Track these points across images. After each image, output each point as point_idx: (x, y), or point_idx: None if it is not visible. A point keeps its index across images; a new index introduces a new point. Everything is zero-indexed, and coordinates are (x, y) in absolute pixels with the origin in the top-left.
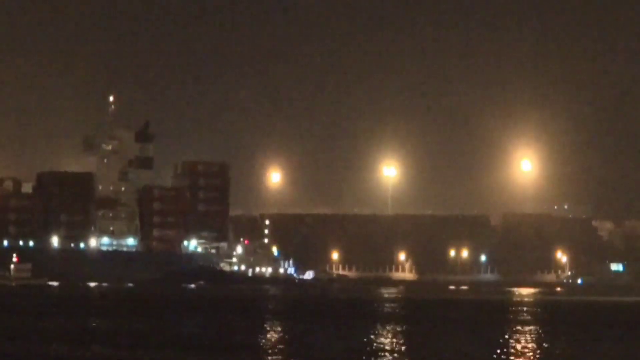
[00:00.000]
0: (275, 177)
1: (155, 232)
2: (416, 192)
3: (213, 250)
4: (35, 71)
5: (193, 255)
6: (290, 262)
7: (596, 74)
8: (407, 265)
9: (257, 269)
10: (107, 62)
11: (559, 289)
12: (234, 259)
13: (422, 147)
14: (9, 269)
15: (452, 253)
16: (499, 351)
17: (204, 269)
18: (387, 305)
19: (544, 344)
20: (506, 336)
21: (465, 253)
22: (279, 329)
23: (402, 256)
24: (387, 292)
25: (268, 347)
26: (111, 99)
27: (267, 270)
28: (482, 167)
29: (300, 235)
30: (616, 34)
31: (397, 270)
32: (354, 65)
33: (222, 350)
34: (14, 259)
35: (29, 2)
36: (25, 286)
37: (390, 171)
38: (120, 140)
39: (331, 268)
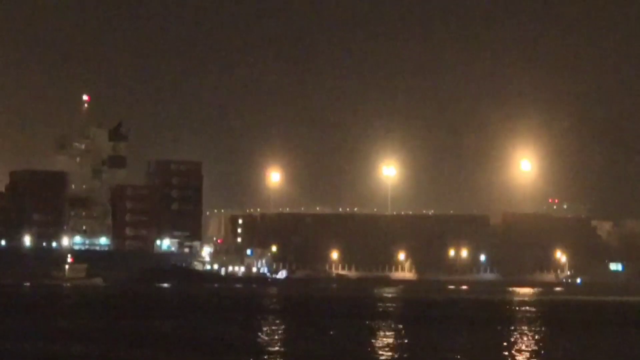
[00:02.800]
0: (275, 176)
1: (128, 231)
2: (416, 192)
3: (186, 250)
4: (7, 70)
5: (166, 254)
6: (264, 261)
7: (596, 74)
8: (407, 265)
9: (230, 268)
10: (80, 61)
11: (558, 288)
12: (207, 258)
13: (422, 147)
14: (63, 269)
15: (452, 253)
16: (498, 351)
17: (177, 269)
18: (386, 304)
19: (543, 344)
20: (505, 336)
21: (465, 253)
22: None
23: (401, 256)
24: (387, 292)
25: (264, 346)
26: (84, 97)
27: (240, 270)
28: (482, 167)
29: (300, 235)
30: (616, 34)
31: (396, 270)
32: (354, 65)
33: (216, 350)
34: (69, 259)
35: None
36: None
37: (390, 171)
38: (94, 139)
39: (331, 268)
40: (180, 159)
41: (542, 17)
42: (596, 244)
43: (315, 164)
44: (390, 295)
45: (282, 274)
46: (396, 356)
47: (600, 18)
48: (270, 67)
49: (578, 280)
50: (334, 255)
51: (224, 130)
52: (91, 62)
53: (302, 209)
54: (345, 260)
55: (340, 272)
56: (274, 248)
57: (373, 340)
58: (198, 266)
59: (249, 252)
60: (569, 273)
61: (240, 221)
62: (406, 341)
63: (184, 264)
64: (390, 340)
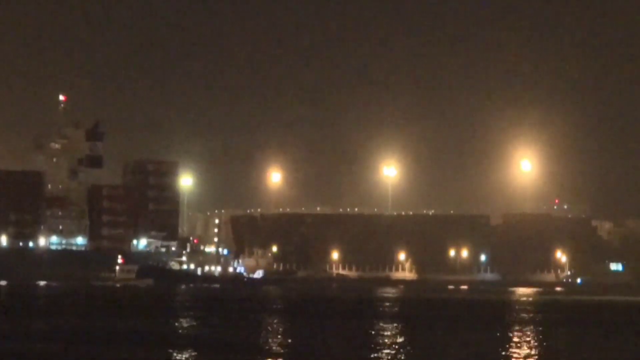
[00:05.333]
0: (275, 176)
1: (105, 231)
2: (416, 192)
3: (163, 249)
4: None
5: (142, 254)
6: (240, 261)
7: (596, 74)
8: (407, 265)
9: (207, 268)
10: (57, 60)
11: (558, 288)
12: (184, 258)
13: (422, 147)
14: (114, 270)
15: (452, 253)
16: (498, 350)
17: (153, 268)
18: (386, 304)
19: (544, 344)
20: (505, 335)
21: (465, 253)
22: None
23: (402, 256)
24: (387, 292)
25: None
26: (61, 97)
27: (216, 269)
28: (482, 167)
29: (300, 235)
30: (616, 35)
31: (397, 270)
32: (354, 65)
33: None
34: (119, 260)
35: None
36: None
37: (390, 171)
38: (70, 138)
39: (331, 268)
40: (157, 158)
41: (543, 18)
42: (596, 244)
43: (316, 164)
44: (390, 295)
45: (258, 274)
46: (396, 356)
47: (600, 18)
48: (271, 67)
49: (578, 280)
50: (334, 255)
51: (224, 131)
52: (67, 61)
53: (303, 209)
54: (345, 260)
55: (341, 272)
56: (274, 248)
57: (372, 340)
58: (174, 266)
59: (225, 251)
60: (569, 273)
61: (216, 221)
62: (405, 341)
63: (159, 264)
64: (390, 341)
